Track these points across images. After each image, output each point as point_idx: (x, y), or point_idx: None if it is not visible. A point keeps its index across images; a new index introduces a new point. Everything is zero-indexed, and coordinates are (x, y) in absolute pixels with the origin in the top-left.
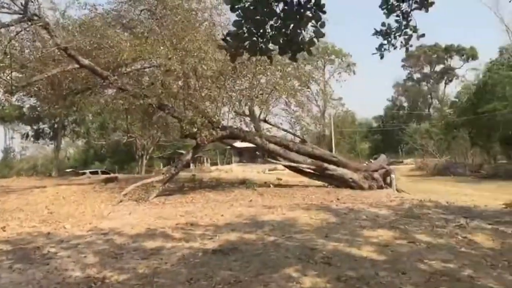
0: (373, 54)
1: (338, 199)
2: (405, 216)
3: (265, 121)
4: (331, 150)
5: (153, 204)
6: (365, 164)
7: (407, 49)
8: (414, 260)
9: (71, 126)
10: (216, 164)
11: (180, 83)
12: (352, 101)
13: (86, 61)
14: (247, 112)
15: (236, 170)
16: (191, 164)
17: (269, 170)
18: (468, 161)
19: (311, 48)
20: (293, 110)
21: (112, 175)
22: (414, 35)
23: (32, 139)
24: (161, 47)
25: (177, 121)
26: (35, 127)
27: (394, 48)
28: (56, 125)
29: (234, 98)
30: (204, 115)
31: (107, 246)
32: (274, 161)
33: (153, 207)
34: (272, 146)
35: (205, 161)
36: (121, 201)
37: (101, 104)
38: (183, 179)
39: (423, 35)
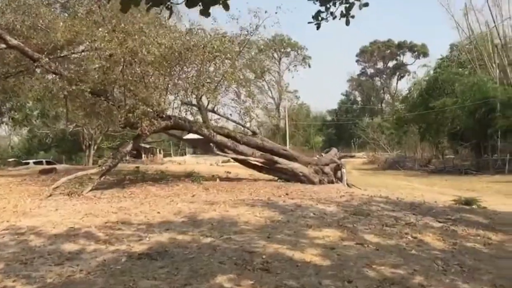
0: (309, 23)
1: (286, 194)
2: (354, 214)
3: (213, 111)
4: (285, 143)
5: (87, 198)
6: (316, 158)
7: (347, 21)
8: (361, 265)
9: (10, 113)
10: (170, 155)
11: (119, 68)
12: (307, 94)
13: (14, 41)
14: (194, 102)
15: (189, 161)
16: (143, 155)
17: (223, 162)
18: (417, 155)
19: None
20: (242, 100)
21: (49, 166)
22: (357, 3)
23: None
24: (100, 29)
25: (116, 110)
26: None
27: (333, 18)
28: None
29: (179, 86)
30: (145, 103)
31: (19, 249)
32: (222, 153)
33: (86, 202)
34: (220, 137)
35: (157, 152)
36: (50, 195)
37: (38, 90)
38: (126, 171)
39: (366, 4)
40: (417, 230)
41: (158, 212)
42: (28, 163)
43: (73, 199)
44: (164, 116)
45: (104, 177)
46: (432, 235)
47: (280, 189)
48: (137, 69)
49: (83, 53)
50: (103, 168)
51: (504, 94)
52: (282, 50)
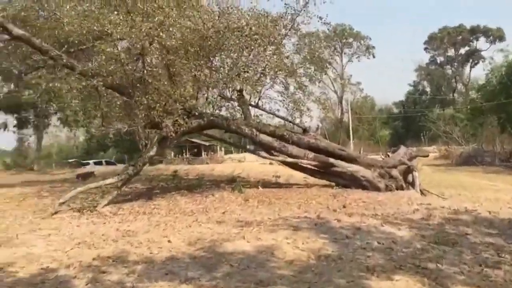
0: None
1: (344, 206)
2: (436, 242)
3: (257, 106)
4: (349, 137)
5: (99, 215)
6: (380, 159)
7: None
8: None
9: (58, 115)
10: (231, 152)
11: (135, 57)
12: (371, 86)
13: (19, 31)
14: (233, 96)
15: (249, 159)
16: (203, 153)
17: None
18: (496, 149)
19: None
20: (291, 93)
21: (87, 170)
22: None
23: (15, 129)
24: (115, 12)
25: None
26: (16, 116)
27: None
28: (39, 113)
29: (213, 77)
30: (170, 98)
31: None
32: (268, 156)
33: (95, 221)
34: (264, 137)
35: (218, 149)
36: (56, 213)
37: (54, 87)
38: (164, 176)
39: None
40: None
41: (169, 241)
42: (88, 164)
43: (82, 216)
44: (196, 114)
45: (123, 188)
46: None
47: (337, 198)
48: (158, 57)
49: (97, 43)
50: (122, 177)
51: None
52: (344, 40)
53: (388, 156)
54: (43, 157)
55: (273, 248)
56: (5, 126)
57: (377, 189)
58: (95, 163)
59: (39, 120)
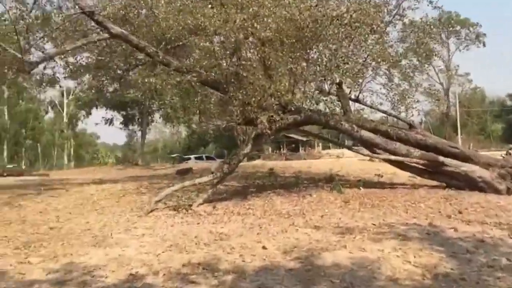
0: None
1: (459, 212)
2: None
3: (357, 100)
4: (456, 132)
5: (194, 215)
6: (500, 157)
7: None
8: None
9: (160, 112)
10: (328, 147)
11: (228, 51)
12: (481, 77)
13: (118, 29)
14: (331, 89)
15: (348, 154)
16: (301, 149)
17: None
18: None
19: None
20: (396, 84)
21: (187, 166)
22: None
23: (121, 125)
24: (209, 5)
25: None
26: (123, 113)
27: None
28: (143, 110)
29: (310, 70)
30: (266, 93)
31: None
32: (370, 154)
33: (189, 221)
34: (365, 133)
35: (315, 145)
36: (151, 211)
37: (154, 82)
38: (260, 173)
39: None
40: None
41: (264, 247)
42: (189, 159)
43: (177, 215)
44: (292, 109)
45: (219, 186)
46: None
47: (449, 202)
48: (252, 51)
49: (191, 38)
50: (217, 175)
51: None
52: (450, 29)
53: (510, 154)
54: (150, 152)
55: (379, 261)
56: (110, 121)
57: (497, 191)
58: (196, 158)
59: (143, 117)
